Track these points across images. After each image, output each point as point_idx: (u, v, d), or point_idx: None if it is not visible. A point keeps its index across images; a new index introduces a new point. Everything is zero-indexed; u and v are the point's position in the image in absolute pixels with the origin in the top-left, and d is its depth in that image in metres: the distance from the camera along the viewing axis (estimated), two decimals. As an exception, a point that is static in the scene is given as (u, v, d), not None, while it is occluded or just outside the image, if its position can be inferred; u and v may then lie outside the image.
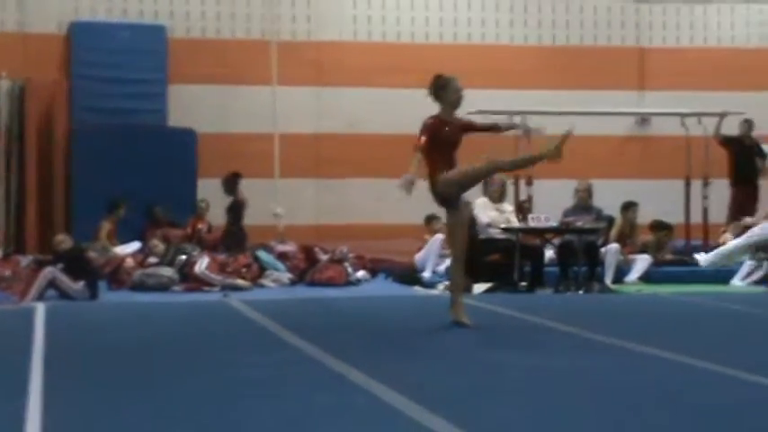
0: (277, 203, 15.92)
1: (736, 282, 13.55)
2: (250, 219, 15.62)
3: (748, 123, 15.84)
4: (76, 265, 11.80)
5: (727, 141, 15.84)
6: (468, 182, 8.67)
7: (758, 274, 13.89)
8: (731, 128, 15.98)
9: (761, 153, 16.13)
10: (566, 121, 16.79)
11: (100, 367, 6.86)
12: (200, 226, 15.67)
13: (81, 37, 16.76)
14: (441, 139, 8.50)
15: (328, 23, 17.68)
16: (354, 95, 17.39)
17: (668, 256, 14.82)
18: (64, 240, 12.13)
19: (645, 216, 15.21)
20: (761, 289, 13.40)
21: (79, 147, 16.31)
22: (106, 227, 14.96)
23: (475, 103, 15.67)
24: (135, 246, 14.61)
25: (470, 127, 8.79)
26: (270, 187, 16.29)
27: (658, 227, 15.00)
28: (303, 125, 17.34)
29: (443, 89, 8.69)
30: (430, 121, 8.59)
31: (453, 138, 8.56)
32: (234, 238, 15.08)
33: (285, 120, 16.90)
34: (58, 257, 11.87)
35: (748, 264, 14.00)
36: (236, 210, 15.42)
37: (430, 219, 14.17)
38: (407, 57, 17.52)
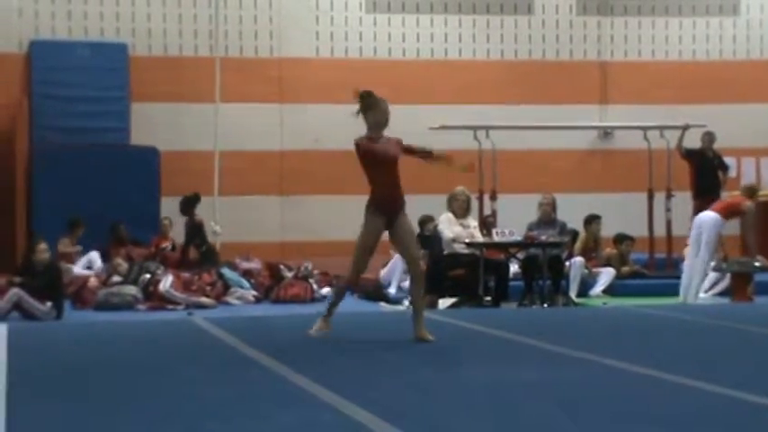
0: (216, 222, 15.78)
1: (701, 294, 13.66)
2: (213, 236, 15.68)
3: (710, 136, 16.01)
4: (51, 282, 11.71)
5: (690, 154, 15.99)
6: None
7: (721, 286, 14.04)
8: (693, 141, 16.14)
9: (723, 165, 16.32)
10: (529, 135, 17.14)
11: (63, 387, 6.84)
12: (164, 244, 15.64)
13: (41, 55, 16.72)
14: (376, 157, 8.52)
15: (291, 40, 17.71)
16: (318, 112, 17.42)
17: (628, 268, 14.95)
18: (45, 250, 11.89)
19: (608, 229, 15.35)
20: (723, 301, 13.54)
21: (40, 166, 16.23)
22: (66, 245, 14.87)
23: (439, 119, 15.91)
24: (90, 257, 14.57)
25: (407, 149, 8.73)
26: (233, 205, 16.29)
27: (620, 239, 15.16)
28: (267, 142, 17.36)
29: (371, 109, 8.67)
30: (362, 143, 8.59)
31: (390, 154, 8.54)
32: (206, 255, 15.01)
33: (248, 137, 16.94)
34: (38, 273, 11.71)
35: (712, 275, 14.12)
36: (191, 230, 15.36)
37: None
38: (371, 73, 17.56)
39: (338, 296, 9.04)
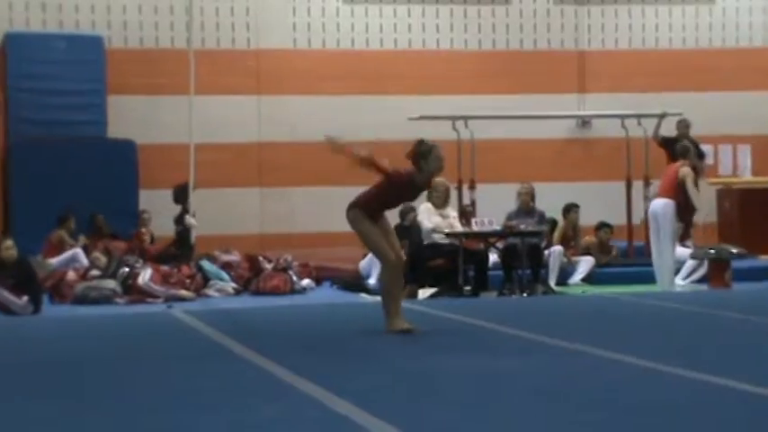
0: (191, 214, 15.72)
1: (679, 281, 13.75)
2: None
3: (685, 123, 16.04)
4: (23, 278, 11.69)
5: (666, 142, 16.06)
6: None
7: (699, 273, 14.13)
8: (670, 129, 16.21)
9: (699, 153, 16.40)
10: (507, 124, 17.18)
11: (40, 381, 6.85)
12: (143, 237, 15.62)
13: (16, 48, 16.62)
14: (394, 195, 8.75)
15: (268, 32, 17.69)
16: (296, 103, 17.42)
17: (608, 256, 15.04)
18: (11, 247, 11.84)
19: (587, 218, 15.42)
20: (701, 287, 13.64)
21: (17, 160, 16.19)
22: (59, 236, 14.91)
23: (417, 109, 15.94)
24: (74, 254, 14.59)
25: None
26: (215, 196, 16.27)
27: (599, 226, 15.24)
28: (246, 134, 17.36)
29: (425, 157, 8.56)
30: (404, 175, 8.60)
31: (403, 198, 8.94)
32: (183, 248, 15.01)
33: (226, 129, 16.93)
34: (7, 269, 11.69)
35: (690, 263, 14.23)
36: (184, 219, 15.37)
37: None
38: (348, 64, 17.61)
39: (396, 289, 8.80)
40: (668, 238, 13.06)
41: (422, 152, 8.55)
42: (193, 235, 14.78)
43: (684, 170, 13.13)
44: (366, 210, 8.60)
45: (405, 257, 8.99)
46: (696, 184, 13.28)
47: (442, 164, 8.65)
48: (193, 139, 14.90)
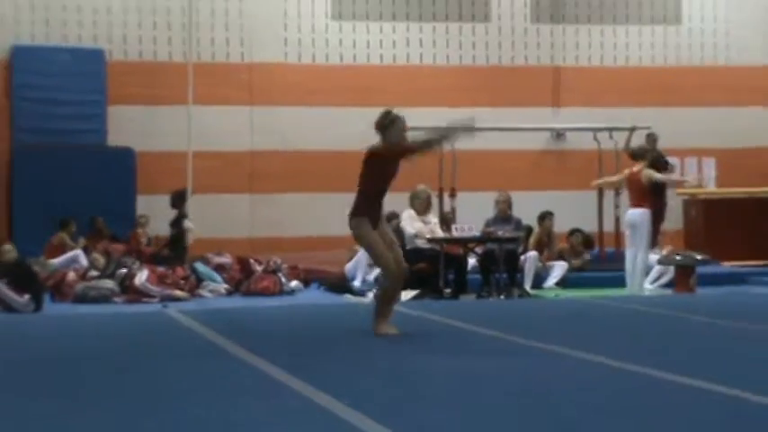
0: (189, 219, 15.66)
1: (647, 285, 13.74)
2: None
3: (653, 137, 16.01)
4: (21, 277, 11.63)
5: (636, 154, 16.02)
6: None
7: (666, 278, 14.14)
8: (640, 142, 16.19)
9: (665, 164, 16.38)
10: (487, 136, 17.15)
11: (40, 376, 6.78)
12: (140, 240, 15.60)
13: (22, 61, 16.59)
14: (378, 173, 8.36)
15: (260, 46, 17.66)
16: (286, 114, 17.39)
17: (581, 261, 15.01)
18: (10, 250, 11.85)
19: (561, 225, 15.41)
20: (667, 292, 13.64)
21: (21, 166, 16.14)
22: (61, 238, 14.87)
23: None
24: (75, 254, 14.54)
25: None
26: (211, 201, 16.19)
27: (571, 232, 15.23)
28: (238, 143, 17.30)
29: (387, 128, 8.43)
30: (374, 149, 8.39)
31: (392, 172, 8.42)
32: (177, 250, 14.98)
33: (220, 138, 16.86)
34: (5, 271, 11.65)
35: (657, 268, 14.23)
36: (180, 223, 15.33)
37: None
38: (337, 78, 17.58)
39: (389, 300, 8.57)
40: (645, 244, 13.05)
41: (385, 124, 8.45)
42: (192, 238, 14.72)
43: (645, 172, 13.17)
44: (368, 211, 8.39)
45: (407, 268, 8.76)
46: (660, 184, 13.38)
47: (404, 135, 8.47)
48: (191, 147, 14.83)
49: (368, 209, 8.39)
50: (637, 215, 13.00)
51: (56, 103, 16.43)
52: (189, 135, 14.77)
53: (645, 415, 5.38)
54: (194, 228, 14.74)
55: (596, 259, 15.54)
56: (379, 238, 8.40)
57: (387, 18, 18.09)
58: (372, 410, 5.36)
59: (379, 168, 8.38)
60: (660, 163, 15.89)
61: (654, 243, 14.50)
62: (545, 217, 14.99)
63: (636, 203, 13.09)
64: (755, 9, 19.11)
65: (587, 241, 15.36)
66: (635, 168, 13.25)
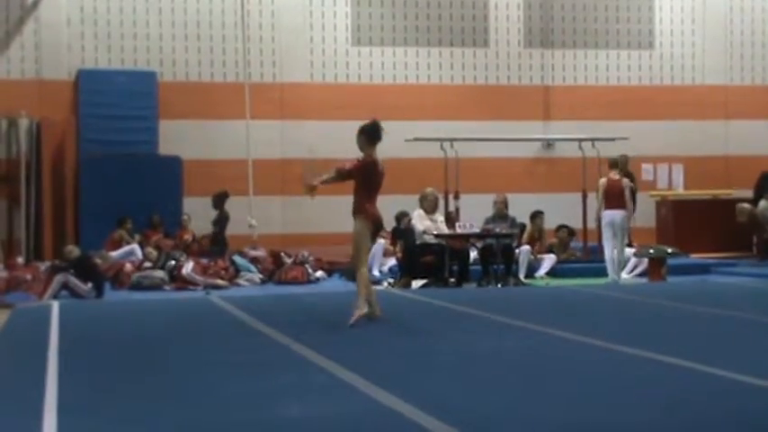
0: (252, 216, 15.78)
1: (624, 275, 13.67)
2: (228, 229, 15.63)
3: (625, 158, 15.54)
4: (85, 269, 11.68)
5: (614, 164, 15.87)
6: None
7: (641, 268, 14.05)
8: (618, 150, 16.10)
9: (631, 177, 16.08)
10: (486, 146, 17.13)
11: (105, 353, 6.80)
12: (186, 236, 15.66)
13: (86, 82, 16.63)
14: (374, 178, 8.19)
15: (290, 68, 17.67)
16: (312, 127, 17.39)
17: (567, 254, 14.93)
18: (72, 250, 11.98)
19: (550, 222, 15.35)
20: (642, 281, 13.56)
21: (86, 173, 16.21)
22: (119, 234, 15.01)
23: (412, 133, 15.90)
24: (132, 248, 14.63)
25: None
26: (245, 203, 16.20)
27: (558, 228, 15.15)
28: (271, 152, 17.32)
29: (358, 139, 8.24)
30: (360, 160, 8.18)
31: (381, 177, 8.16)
32: (219, 245, 15.04)
33: (255, 148, 16.87)
34: (70, 264, 11.71)
35: (633, 260, 14.15)
36: (221, 222, 15.42)
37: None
38: (356, 95, 17.56)
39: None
40: (624, 240, 13.12)
41: (357, 136, 8.26)
42: (255, 234, 14.84)
43: (624, 181, 13.18)
44: (370, 214, 8.32)
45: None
46: (633, 192, 13.37)
47: (363, 145, 8.20)
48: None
49: (371, 210, 8.30)
50: (619, 216, 13.00)
51: (115, 119, 16.47)
52: (248, 146, 14.92)
53: (630, 387, 5.35)
54: (256, 224, 14.85)
55: (581, 251, 15.44)
56: (369, 245, 8.38)
57: (399, 44, 18.09)
58: (386, 383, 5.33)
59: (374, 170, 8.24)
60: (630, 174, 15.85)
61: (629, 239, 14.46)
62: (536, 216, 14.91)
63: (616, 205, 13.06)
64: (717, 37, 19.09)
65: (571, 234, 15.30)
66: (612, 175, 13.20)
